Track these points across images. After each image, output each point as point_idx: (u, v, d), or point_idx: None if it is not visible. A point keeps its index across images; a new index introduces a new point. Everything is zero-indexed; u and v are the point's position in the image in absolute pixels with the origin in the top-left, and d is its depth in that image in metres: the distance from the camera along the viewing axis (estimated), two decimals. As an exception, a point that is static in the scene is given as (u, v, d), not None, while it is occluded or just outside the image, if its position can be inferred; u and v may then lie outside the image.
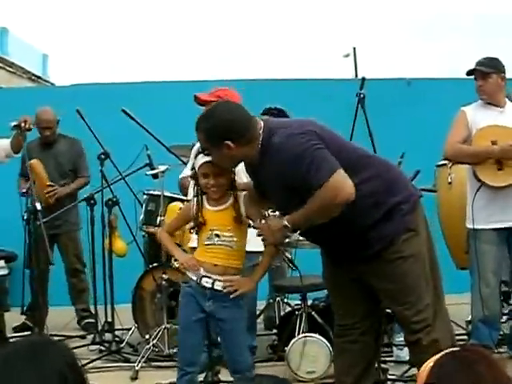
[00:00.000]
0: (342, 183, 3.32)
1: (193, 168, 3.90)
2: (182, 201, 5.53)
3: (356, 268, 3.64)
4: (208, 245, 3.85)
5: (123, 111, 5.95)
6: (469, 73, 5.18)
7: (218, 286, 3.83)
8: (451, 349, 1.95)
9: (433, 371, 1.87)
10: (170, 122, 7.57)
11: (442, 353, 1.91)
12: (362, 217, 3.49)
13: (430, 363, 1.90)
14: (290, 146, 3.39)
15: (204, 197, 3.89)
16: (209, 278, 3.83)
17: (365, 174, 3.49)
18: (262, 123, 3.55)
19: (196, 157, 3.86)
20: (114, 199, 5.99)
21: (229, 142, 3.48)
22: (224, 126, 3.52)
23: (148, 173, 5.79)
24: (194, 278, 3.86)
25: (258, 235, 3.70)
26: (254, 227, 3.77)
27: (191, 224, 3.92)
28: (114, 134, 6.93)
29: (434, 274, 3.65)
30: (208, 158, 3.76)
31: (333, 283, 3.92)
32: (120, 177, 6.05)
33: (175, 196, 5.80)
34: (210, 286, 3.83)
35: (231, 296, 3.82)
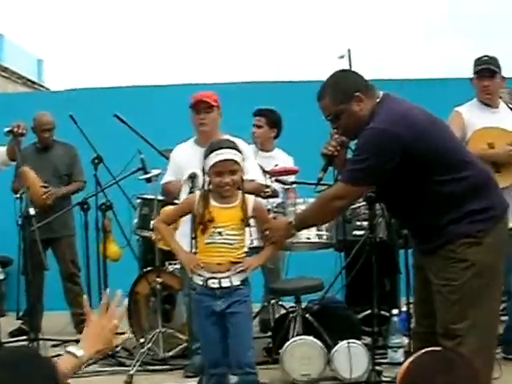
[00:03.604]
0: (346, 197, 3.53)
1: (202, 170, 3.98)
2: (176, 205, 5.51)
3: (421, 257, 3.60)
4: (209, 243, 3.89)
5: (116, 116, 5.96)
6: (477, 71, 5.17)
7: (226, 282, 3.90)
8: (431, 348, 1.96)
9: (411, 369, 1.88)
10: (162, 125, 7.58)
11: (423, 351, 1.92)
12: (433, 212, 3.44)
13: (410, 360, 1.91)
14: (369, 135, 3.39)
15: (210, 194, 3.93)
16: (214, 278, 3.90)
17: (451, 175, 3.41)
18: (379, 93, 3.51)
19: (207, 157, 3.88)
20: (108, 203, 5.99)
21: (359, 94, 3.43)
22: (350, 78, 3.55)
23: (141, 177, 5.80)
24: (200, 283, 3.94)
25: (264, 233, 4.03)
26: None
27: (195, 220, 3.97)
28: (107, 139, 6.95)
29: (489, 289, 3.46)
30: (222, 157, 3.82)
31: (416, 272, 3.78)
32: (113, 181, 6.06)
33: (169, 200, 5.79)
34: (217, 285, 3.91)
35: (240, 271, 3.90)
